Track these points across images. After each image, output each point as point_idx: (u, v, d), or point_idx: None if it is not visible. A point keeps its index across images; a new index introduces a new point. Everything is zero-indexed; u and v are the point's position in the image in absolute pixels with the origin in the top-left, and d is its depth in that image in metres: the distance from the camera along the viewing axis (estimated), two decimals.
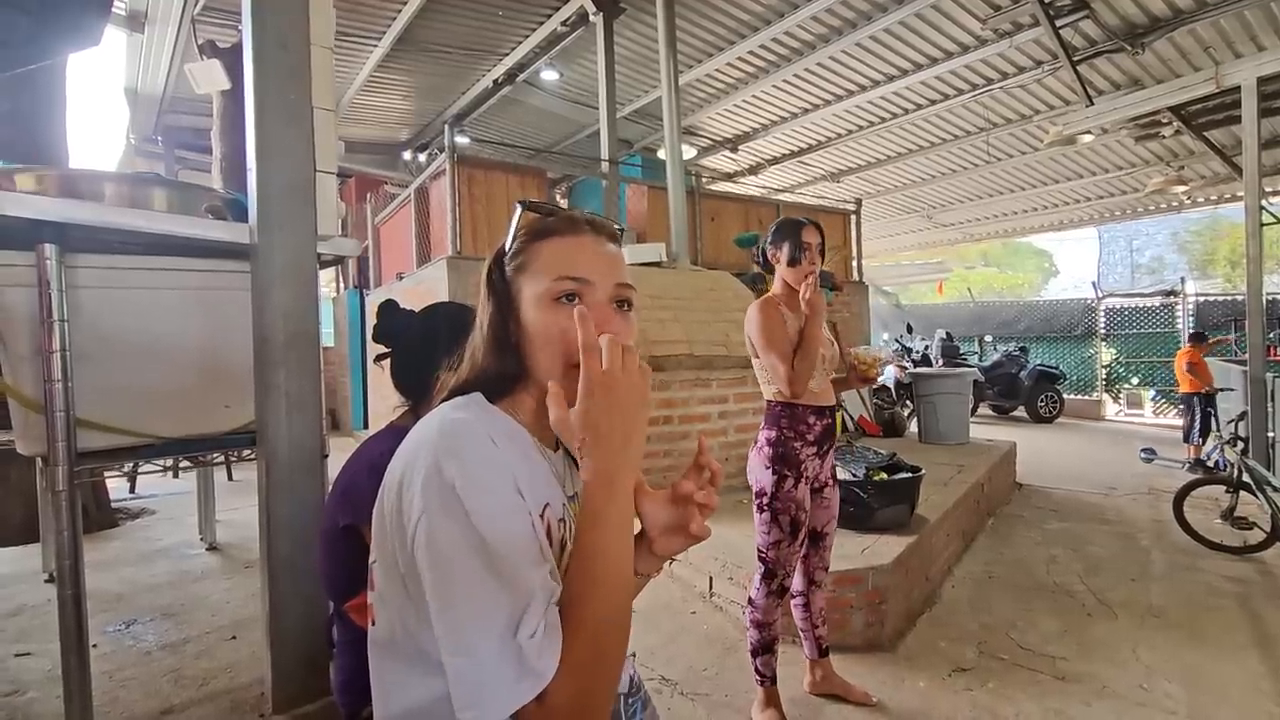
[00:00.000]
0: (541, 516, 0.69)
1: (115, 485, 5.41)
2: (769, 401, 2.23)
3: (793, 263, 2.16)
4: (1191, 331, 8.47)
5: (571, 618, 0.63)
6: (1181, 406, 7.63)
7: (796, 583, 2.34)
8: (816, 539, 2.32)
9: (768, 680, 2.23)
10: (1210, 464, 6.59)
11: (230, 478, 6.07)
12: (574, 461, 0.85)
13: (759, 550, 2.20)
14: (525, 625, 0.60)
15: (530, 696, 0.59)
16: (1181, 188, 9.17)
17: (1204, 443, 6.96)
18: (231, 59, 5.43)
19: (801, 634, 2.42)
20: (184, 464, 3.03)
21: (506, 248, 0.79)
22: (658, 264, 5.40)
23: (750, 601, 2.24)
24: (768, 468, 2.14)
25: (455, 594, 0.61)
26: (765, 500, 2.15)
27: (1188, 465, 6.77)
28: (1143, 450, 7.30)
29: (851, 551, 2.98)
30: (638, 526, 0.75)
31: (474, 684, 0.59)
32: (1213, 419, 6.94)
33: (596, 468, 0.64)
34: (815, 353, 2.08)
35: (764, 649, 2.22)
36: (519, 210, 0.78)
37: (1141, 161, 9.62)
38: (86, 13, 1.81)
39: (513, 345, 0.76)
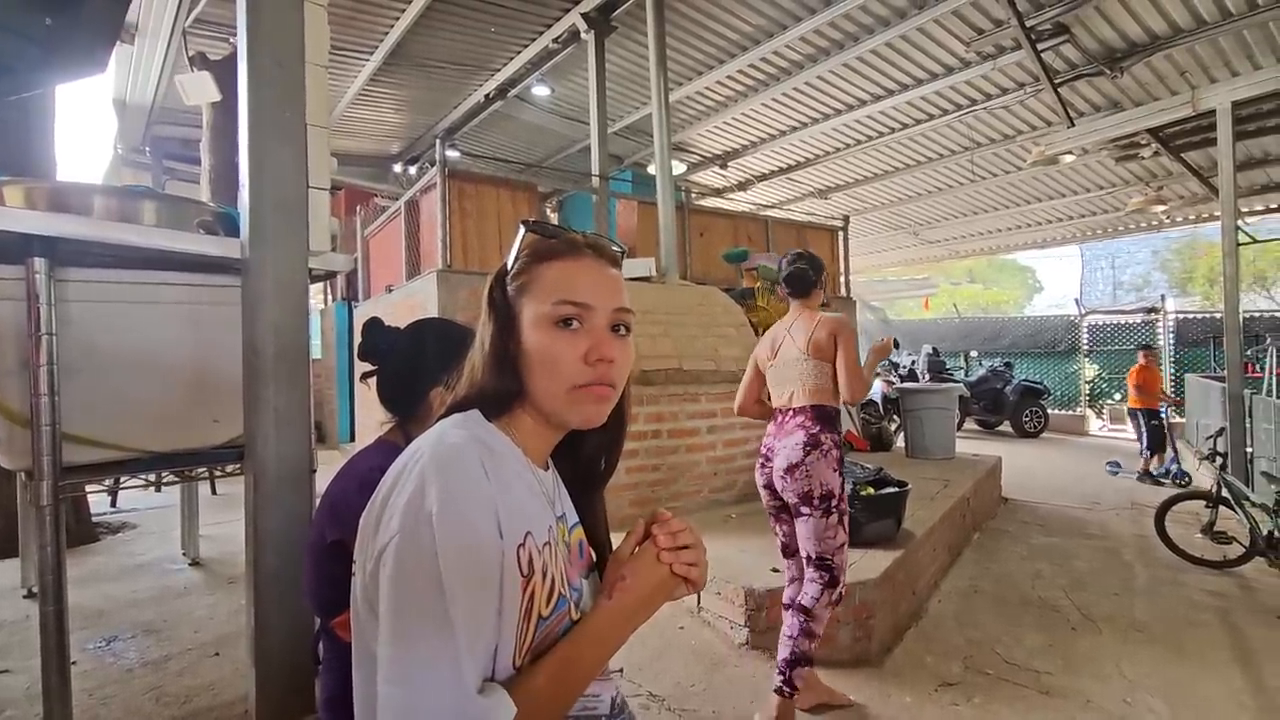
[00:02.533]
0: (523, 545, 0.69)
1: (96, 499, 5.33)
2: (821, 406, 2.25)
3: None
4: (1140, 345, 8.84)
5: (527, 701, 0.65)
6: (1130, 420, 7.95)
7: (789, 592, 2.34)
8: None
9: (796, 693, 2.19)
10: (1160, 475, 6.95)
11: (214, 492, 6.00)
12: (563, 483, 0.87)
13: (823, 557, 2.15)
14: (468, 672, 0.61)
15: None
16: (1161, 207, 9.38)
17: (1151, 456, 7.21)
18: (222, 71, 5.44)
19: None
20: (168, 478, 3.00)
21: (509, 267, 0.79)
22: (648, 279, 5.44)
23: (804, 610, 2.17)
24: (835, 470, 2.13)
25: (405, 623, 0.62)
26: (835, 502, 2.12)
27: (1138, 476, 7.12)
28: (1108, 463, 7.74)
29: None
30: None
31: (399, 713, 0.60)
32: (1161, 431, 7.23)
33: (623, 603, 0.74)
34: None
35: (807, 660, 2.17)
36: (521, 231, 0.79)
37: (1122, 181, 9.81)
38: (94, 42, 1.81)
39: (512, 364, 0.76)
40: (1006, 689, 2.60)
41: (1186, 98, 6.14)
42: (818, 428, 2.22)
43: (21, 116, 4.24)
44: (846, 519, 2.12)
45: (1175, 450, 7.19)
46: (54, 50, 1.74)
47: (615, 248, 0.82)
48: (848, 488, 3.29)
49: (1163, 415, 7.31)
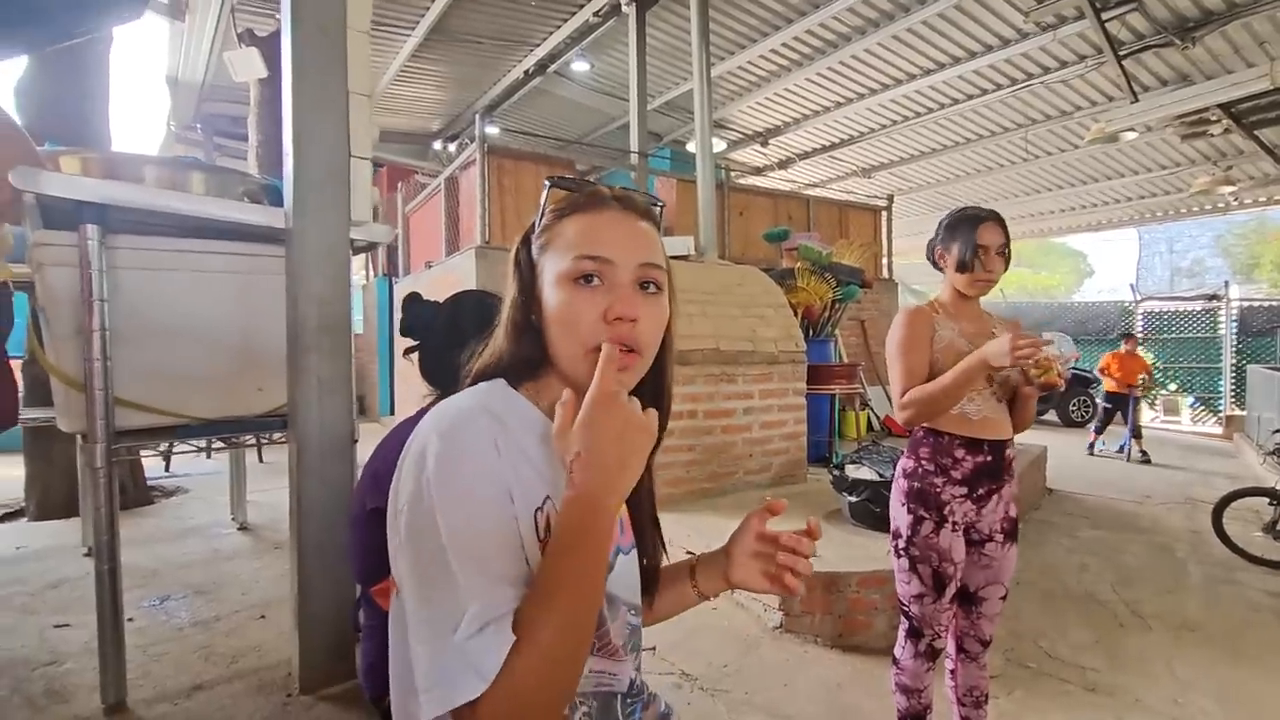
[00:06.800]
0: (540, 509, 0.67)
1: (151, 464, 5.55)
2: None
3: (963, 268, 1.72)
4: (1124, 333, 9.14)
5: (523, 639, 0.58)
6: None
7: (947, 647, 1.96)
8: (970, 600, 1.85)
9: None
10: (1102, 449, 7.91)
11: (261, 459, 6.17)
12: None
13: (900, 602, 1.85)
14: (467, 624, 0.58)
15: (466, 698, 0.56)
16: (1228, 188, 8.87)
17: (1099, 432, 8.03)
18: (269, 47, 5.49)
19: (950, 705, 1.95)
20: (217, 445, 3.09)
21: (536, 227, 0.76)
22: (685, 257, 5.37)
23: (895, 661, 1.87)
24: (902, 504, 1.82)
25: (419, 583, 0.61)
26: (900, 544, 1.81)
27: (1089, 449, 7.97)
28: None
29: (877, 553, 2.94)
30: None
31: (425, 670, 0.59)
32: (1108, 414, 8.07)
33: (584, 488, 0.62)
34: (952, 394, 1.67)
35: (913, 718, 1.85)
36: (548, 188, 0.76)
37: (1187, 161, 9.32)
38: None
39: (533, 328, 0.74)
40: (1049, 684, 2.53)
41: (1264, 70, 5.73)
42: (906, 451, 1.88)
43: (78, 92, 4.36)
44: (925, 569, 1.74)
45: (1133, 432, 7.64)
46: None
47: (650, 201, 0.77)
48: (883, 474, 3.01)
49: (1129, 401, 7.77)
